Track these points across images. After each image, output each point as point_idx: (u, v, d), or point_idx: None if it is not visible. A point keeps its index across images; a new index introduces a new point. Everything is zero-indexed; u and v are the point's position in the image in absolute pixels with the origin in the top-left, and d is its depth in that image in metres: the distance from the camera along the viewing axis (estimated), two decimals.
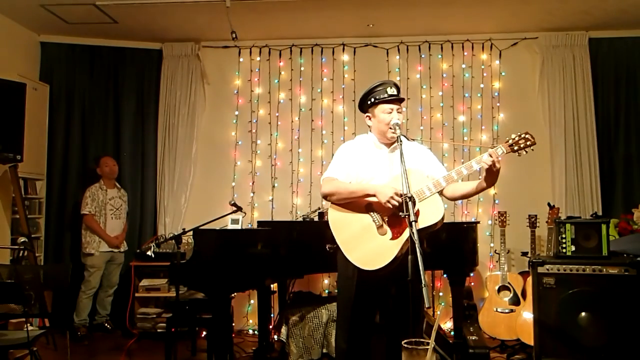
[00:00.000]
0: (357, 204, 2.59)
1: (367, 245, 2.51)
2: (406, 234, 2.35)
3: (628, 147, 5.02)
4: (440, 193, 2.59)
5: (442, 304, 5.03)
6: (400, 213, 2.32)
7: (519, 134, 2.50)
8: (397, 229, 2.48)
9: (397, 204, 2.40)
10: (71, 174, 5.28)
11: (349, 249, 2.54)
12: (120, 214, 5.04)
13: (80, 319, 4.82)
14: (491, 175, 2.47)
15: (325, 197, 2.69)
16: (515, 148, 2.49)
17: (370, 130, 2.80)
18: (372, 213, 2.56)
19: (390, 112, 2.65)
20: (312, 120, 5.34)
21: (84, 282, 4.84)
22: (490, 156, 2.42)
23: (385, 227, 2.52)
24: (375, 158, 2.71)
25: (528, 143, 2.48)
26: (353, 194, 2.59)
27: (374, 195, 2.50)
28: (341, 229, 2.60)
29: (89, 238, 4.85)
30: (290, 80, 5.38)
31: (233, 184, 5.38)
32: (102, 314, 5.00)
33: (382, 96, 2.66)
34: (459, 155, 5.20)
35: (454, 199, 2.75)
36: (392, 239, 2.48)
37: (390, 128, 2.62)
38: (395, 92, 2.67)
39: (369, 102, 2.73)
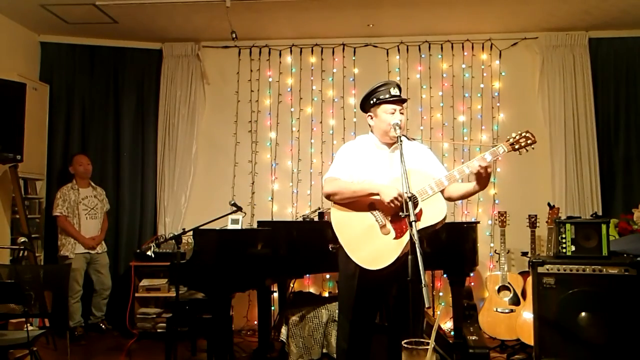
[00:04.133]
0: (359, 203, 2.59)
1: (371, 245, 2.51)
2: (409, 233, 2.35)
3: (628, 147, 5.02)
4: (442, 193, 2.60)
5: (442, 304, 5.03)
6: (400, 213, 2.32)
7: (519, 132, 2.51)
8: (400, 228, 2.49)
9: (399, 204, 2.41)
10: (71, 174, 5.27)
11: (353, 249, 2.54)
12: (95, 214, 4.96)
13: (74, 322, 4.79)
14: (481, 179, 2.48)
15: (328, 197, 2.69)
16: (516, 147, 2.50)
17: (371, 131, 2.80)
18: (374, 212, 2.56)
19: (393, 113, 2.65)
20: (312, 121, 5.34)
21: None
22: (480, 162, 2.42)
23: (388, 226, 2.53)
24: (376, 158, 2.71)
25: (529, 142, 2.50)
26: (356, 193, 2.59)
27: (377, 195, 2.50)
28: (344, 229, 2.60)
29: (64, 240, 4.78)
30: (291, 80, 5.38)
31: (233, 184, 5.38)
32: (98, 315, 4.98)
33: (385, 96, 2.67)
34: (459, 155, 5.20)
35: (453, 200, 2.74)
36: (395, 238, 2.49)
37: (393, 128, 2.62)
38: (398, 93, 2.68)
39: (371, 102, 2.73)
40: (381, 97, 2.68)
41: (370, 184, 2.59)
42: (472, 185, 2.57)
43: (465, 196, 2.69)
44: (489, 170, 2.44)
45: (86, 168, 4.97)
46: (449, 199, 2.70)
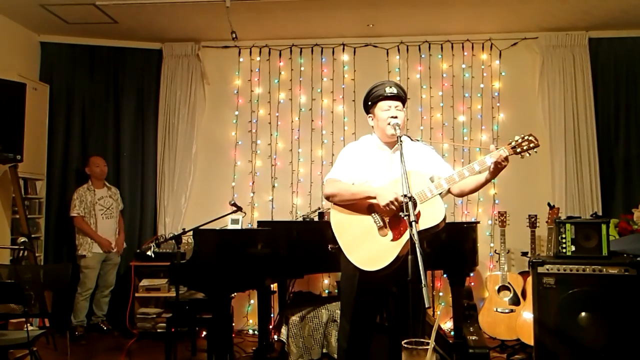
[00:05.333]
0: (359, 205, 2.60)
1: (368, 247, 2.51)
2: (407, 235, 2.35)
3: (628, 147, 5.02)
4: (448, 192, 2.60)
5: (442, 304, 5.03)
6: (401, 213, 2.32)
7: (522, 135, 2.43)
8: (398, 230, 2.48)
9: (395, 208, 2.41)
10: (71, 174, 5.28)
11: (350, 250, 2.55)
12: (111, 214, 5.01)
13: (78, 320, 4.82)
14: (497, 169, 2.43)
15: (328, 198, 2.70)
16: (518, 150, 2.42)
17: (373, 131, 2.81)
18: (373, 214, 2.57)
19: (389, 109, 2.66)
20: (312, 120, 5.34)
21: (79, 283, 4.83)
22: (498, 154, 2.39)
23: (387, 228, 2.53)
24: (377, 159, 2.71)
25: (532, 145, 2.41)
26: (354, 195, 2.60)
27: (375, 198, 2.51)
28: (343, 230, 2.61)
29: (81, 240, 4.84)
30: (290, 80, 5.38)
31: (233, 184, 5.38)
32: (99, 315, 5.00)
33: (379, 93, 2.68)
34: (459, 155, 5.20)
35: (464, 194, 2.71)
36: (392, 240, 2.48)
37: (389, 124, 2.62)
38: (395, 91, 2.67)
39: (369, 103, 2.75)
40: (376, 95, 2.70)
41: (368, 187, 2.59)
42: (482, 176, 2.52)
43: (475, 189, 2.64)
44: (503, 163, 2.38)
45: (102, 170, 5.02)
46: (460, 194, 2.68)
